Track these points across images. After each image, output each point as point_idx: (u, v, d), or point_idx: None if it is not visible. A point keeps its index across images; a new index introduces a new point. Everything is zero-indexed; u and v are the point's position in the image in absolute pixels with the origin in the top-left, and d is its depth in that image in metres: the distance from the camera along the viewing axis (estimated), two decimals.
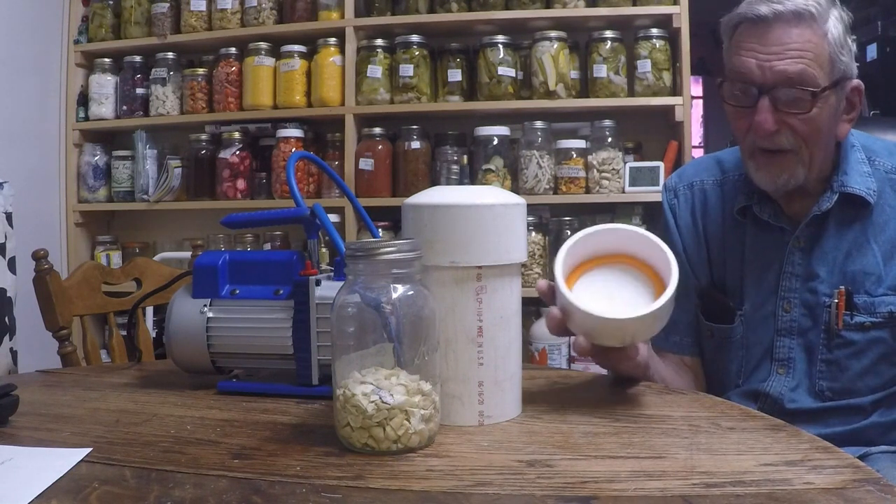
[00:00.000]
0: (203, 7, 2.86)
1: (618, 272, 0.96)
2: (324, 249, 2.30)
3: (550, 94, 2.61)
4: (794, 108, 1.10)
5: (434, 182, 2.67)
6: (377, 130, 2.71)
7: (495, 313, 0.86)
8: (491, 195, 0.87)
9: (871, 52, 3.38)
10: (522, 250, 0.88)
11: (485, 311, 0.85)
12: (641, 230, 0.96)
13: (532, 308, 2.62)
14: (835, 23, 1.11)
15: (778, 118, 1.11)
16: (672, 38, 2.62)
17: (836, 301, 1.16)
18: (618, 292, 0.94)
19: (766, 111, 1.10)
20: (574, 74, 2.65)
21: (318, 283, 0.97)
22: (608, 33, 2.61)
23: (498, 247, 0.85)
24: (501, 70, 2.63)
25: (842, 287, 1.16)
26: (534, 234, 2.61)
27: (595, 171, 2.61)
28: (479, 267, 0.84)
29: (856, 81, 1.16)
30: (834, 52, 1.11)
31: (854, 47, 1.14)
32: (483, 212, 0.84)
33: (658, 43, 2.59)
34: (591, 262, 0.97)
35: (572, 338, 0.95)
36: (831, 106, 1.13)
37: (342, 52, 2.74)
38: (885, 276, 1.16)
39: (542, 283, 0.96)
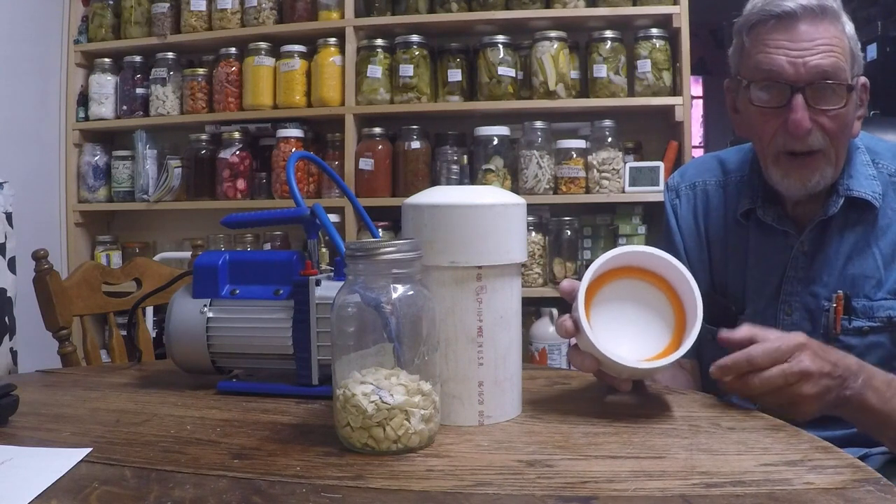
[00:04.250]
0: (203, 7, 2.86)
1: (637, 293, 0.94)
2: (324, 249, 2.30)
3: (550, 94, 2.61)
4: (830, 104, 1.08)
5: (434, 182, 2.68)
6: (377, 130, 2.71)
7: (495, 313, 0.86)
8: (491, 195, 0.87)
9: (871, 52, 3.38)
10: (522, 250, 0.88)
11: (485, 311, 0.85)
12: (676, 261, 0.92)
13: (532, 308, 2.62)
14: (846, 19, 1.11)
15: (812, 116, 1.08)
16: (672, 38, 2.62)
17: (835, 305, 1.15)
18: (635, 316, 0.93)
19: (802, 109, 1.07)
20: (574, 74, 2.65)
21: (318, 283, 0.97)
22: (608, 33, 2.61)
23: (498, 247, 0.85)
24: (501, 70, 2.63)
25: (840, 291, 1.15)
26: (534, 234, 2.61)
27: (595, 171, 2.61)
28: (479, 267, 0.84)
29: (864, 78, 1.15)
30: (854, 46, 1.10)
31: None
32: (483, 212, 0.84)
33: (658, 43, 2.59)
34: (608, 275, 0.94)
35: (572, 340, 0.94)
36: (854, 102, 1.11)
37: (342, 52, 2.74)
38: (885, 281, 1.14)
39: (568, 321, 0.91)
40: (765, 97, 1.11)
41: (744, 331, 0.93)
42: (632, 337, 0.91)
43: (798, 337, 0.92)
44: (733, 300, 1.25)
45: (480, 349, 0.86)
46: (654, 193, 2.53)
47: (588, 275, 0.90)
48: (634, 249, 0.93)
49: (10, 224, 1.60)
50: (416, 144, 2.69)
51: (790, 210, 1.21)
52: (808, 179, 1.12)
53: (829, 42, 1.07)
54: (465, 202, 0.85)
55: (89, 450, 0.79)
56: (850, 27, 1.11)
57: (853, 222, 1.17)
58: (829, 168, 1.12)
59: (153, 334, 2.31)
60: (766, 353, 0.90)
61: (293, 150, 2.75)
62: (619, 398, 0.97)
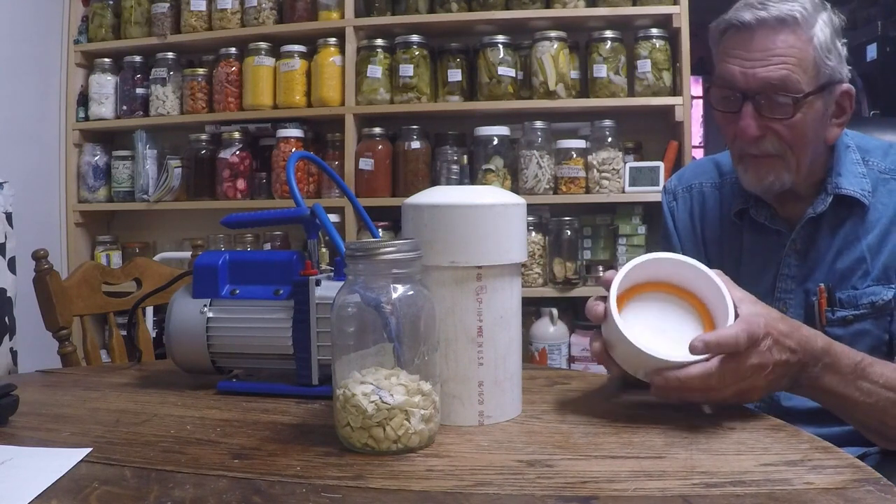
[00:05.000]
0: (203, 7, 2.86)
1: (670, 303, 0.93)
2: (324, 249, 2.30)
3: (550, 94, 2.61)
4: (777, 114, 1.11)
5: (434, 182, 2.68)
6: (377, 130, 2.71)
7: (495, 313, 0.86)
8: (491, 195, 0.87)
9: (871, 52, 3.38)
10: (522, 250, 0.88)
11: (485, 311, 0.85)
12: (709, 271, 0.91)
13: (532, 308, 2.62)
14: (822, 27, 1.11)
15: (762, 124, 1.12)
16: (672, 38, 2.62)
17: (818, 298, 1.17)
18: (668, 326, 0.91)
19: (749, 117, 1.11)
20: (574, 74, 2.65)
21: (318, 283, 0.97)
22: (608, 33, 2.61)
23: (498, 247, 0.85)
24: (501, 70, 2.63)
25: (821, 284, 1.17)
26: (534, 234, 2.61)
27: (595, 171, 2.61)
28: (479, 267, 0.84)
29: (846, 86, 1.15)
30: (819, 57, 1.10)
31: (845, 51, 1.14)
32: (483, 212, 0.84)
33: (658, 43, 2.59)
34: (644, 286, 0.93)
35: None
36: (817, 111, 1.13)
37: (342, 52, 2.74)
38: (871, 270, 1.16)
39: (599, 305, 0.89)
40: (723, 102, 1.16)
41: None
42: (661, 344, 0.89)
43: (756, 325, 0.86)
44: None
45: (480, 349, 0.86)
46: (654, 193, 2.53)
47: (624, 270, 0.90)
48: (668, 257, 0.93)
49: (10, 224, 1.60)
50: (416, 144, 2.69)
51: (780, 210, 1.22)
52: (763, 178, 1.16)
53: (784, 53, 1.09)
54: (465, 202, 0.85)
55: (89, 450, 0.79)
56: (821, 37, 1.10)
57: (843, 219, 1.19)
58: (786, 173, 1.15)
59: (153, 334, 2.31)
60: (723, 374, 0.84)
61: (293, 150, 2.75)
62: (636, 398, 0.96)
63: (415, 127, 2.70)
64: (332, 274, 1.03)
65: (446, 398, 0.85)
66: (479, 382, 0.86)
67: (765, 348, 0.87)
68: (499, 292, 0.86)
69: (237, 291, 1.04)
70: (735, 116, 1.14)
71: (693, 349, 0.84)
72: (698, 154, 5.01)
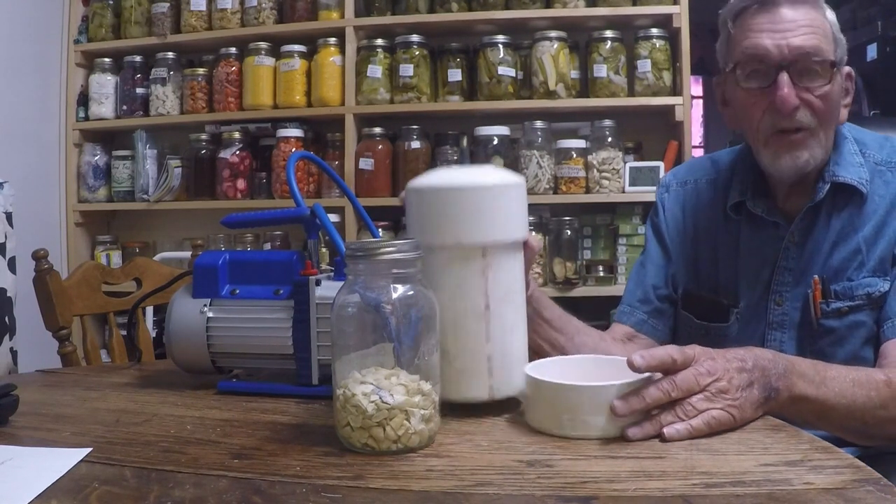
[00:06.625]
0: (203, 7, 2.86)
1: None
2: (324, 249, 2.30)
3: (550, 94, 2.61)
4: (814, 82, 1.11)
5: None
6: (377, 130, 2.71)
7: (501, 289, 0.88)
8: (491, 175, 0.89)
9: (871, 51, 3.38)
10: (524, 228, 0.91)
11: (491, 287, 0.87)
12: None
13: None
14: (828, 9, 1.15)
15: (798, 94, 1.11)
16: (672, 37, 2.62)
17: (812, 290, 1.17)
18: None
19: (787, 86, 1.10)
20: (574, 74, 2.65)
21: (318, 283, 0.97)
22: (608, 33, 2.61)
23: (502, 225, 0.87)
24: (501, 70, 2.63)
25: (816, 276, 1.17)
26: (534, 233, 2.61)
27: (595, 170, 2.61)
28: (484, 245, 0.86)
29: (848, 68, 1.18)
30: (836, 32, 1.14)
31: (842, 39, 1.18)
32: (485, 192, 0.86)
33: (658, 43, 2.59)
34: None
35: None
36: (839, 85, 1.15)
37: (342, 51, 2.74)
38: (867, 261, 1.16)
39: None
40: (752, 79, 1.15)
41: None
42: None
43: (689, 347, 0.84)
44: (726, 295, 1.26)
45: (488, 324, 0.87)
46: (653, 193, 2.52)
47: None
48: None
49: (10, 224, 1.60)
50: (416, 144, 2.69)
51: (780, 202, 1.22)
52: (798, 158, 1.14)
53: (811, 24, 1.12)
54: (467, 184, 0.86)
55: (89, 450, 0.79)
56: (831, 15, 1.15)
57: (840, 209, 1.19)
58: (818, 149, 1.14)
59: (153, 334, 2.31)
60: (676, 382, 0.81)
61: (293, 149, 2.75)
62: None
63: (415, 127, 2.70)
64: (332, 274, 1.03)
65: (456, 374, 0.86)
66: (487, 357, 0.87)
67: (709, 356, 0.84)
68: (504, 269, 0.88)
69: (237, 291, 1.04)
70: (766, 92, 1.12)
71: (631, 362, 0.80)
72: (698, 154, 5.01)
